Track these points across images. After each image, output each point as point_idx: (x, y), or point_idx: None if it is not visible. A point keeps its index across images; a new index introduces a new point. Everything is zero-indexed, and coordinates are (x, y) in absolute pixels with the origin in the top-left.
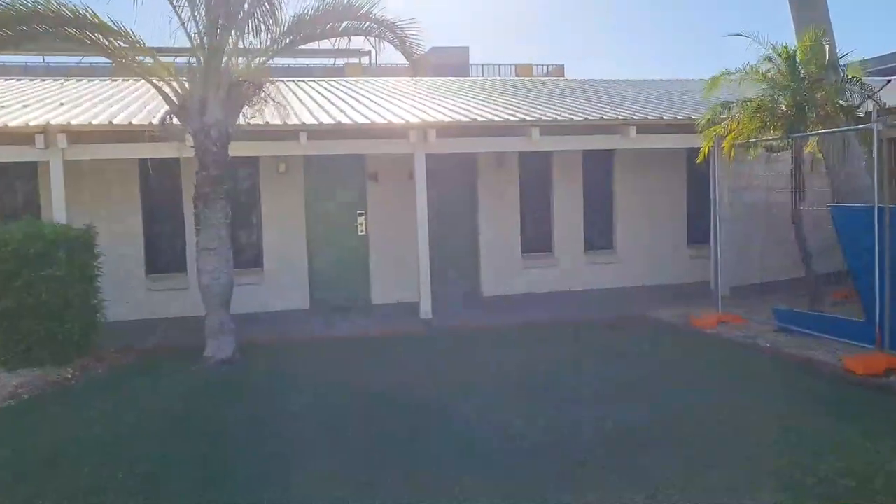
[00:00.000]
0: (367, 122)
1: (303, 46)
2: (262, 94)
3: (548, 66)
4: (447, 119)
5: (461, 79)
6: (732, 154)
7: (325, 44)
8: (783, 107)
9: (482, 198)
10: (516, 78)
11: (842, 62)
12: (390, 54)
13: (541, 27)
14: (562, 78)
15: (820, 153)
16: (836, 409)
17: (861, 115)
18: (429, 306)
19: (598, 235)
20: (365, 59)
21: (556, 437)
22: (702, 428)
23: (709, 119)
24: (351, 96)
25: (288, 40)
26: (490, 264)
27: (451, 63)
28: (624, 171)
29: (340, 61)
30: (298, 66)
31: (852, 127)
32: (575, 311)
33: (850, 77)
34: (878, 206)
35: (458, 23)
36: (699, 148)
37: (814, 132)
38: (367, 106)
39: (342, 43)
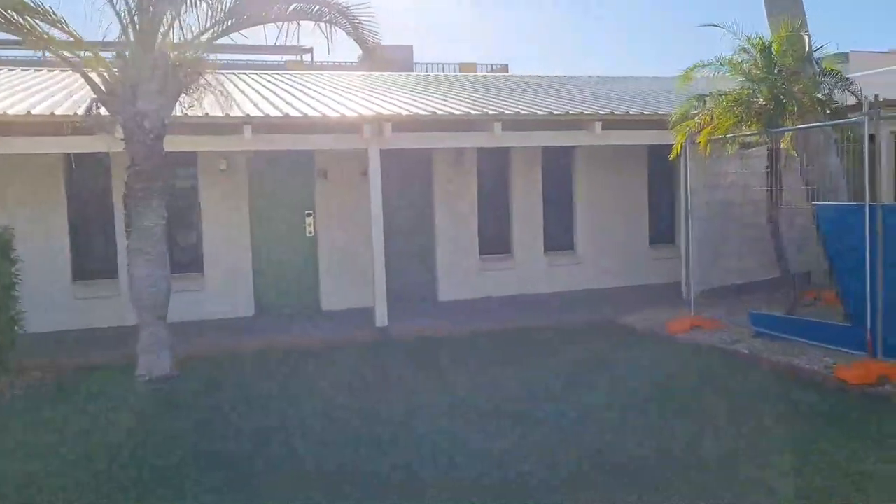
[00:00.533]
0: (318, 114)
1: (245, 34)
2: (202, 82)
3: (492, 65)
4: (405, 113)
5: (414, 73)
6: (709, 150)
7: (271, 29)
8: (761, 100)
9: (438, 197)
10: (475, 73)
11: (816, 55)
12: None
13: (483, 29)
14: (526, 74)
15: (793, 150)
16: (844, 427)
17: (836, 109)
18: (384, 313)
19: (559, 235)
20: (307, 57)
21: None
22: (709, 461)
23: (682, 113)
24: (298, 89)
25: (231, 22)
26: (447, 267)
27: (395, 62)
28: (585, 169)
29: (282, 58)
30: (238, 62)
31: (843, 120)
32: (538, 316)
33: (828, 70)
34: (870, 205)
35: (401, 23)
36: (667, 145)
37: (798, 126)
38: (315, 99)
39: (290, 29)
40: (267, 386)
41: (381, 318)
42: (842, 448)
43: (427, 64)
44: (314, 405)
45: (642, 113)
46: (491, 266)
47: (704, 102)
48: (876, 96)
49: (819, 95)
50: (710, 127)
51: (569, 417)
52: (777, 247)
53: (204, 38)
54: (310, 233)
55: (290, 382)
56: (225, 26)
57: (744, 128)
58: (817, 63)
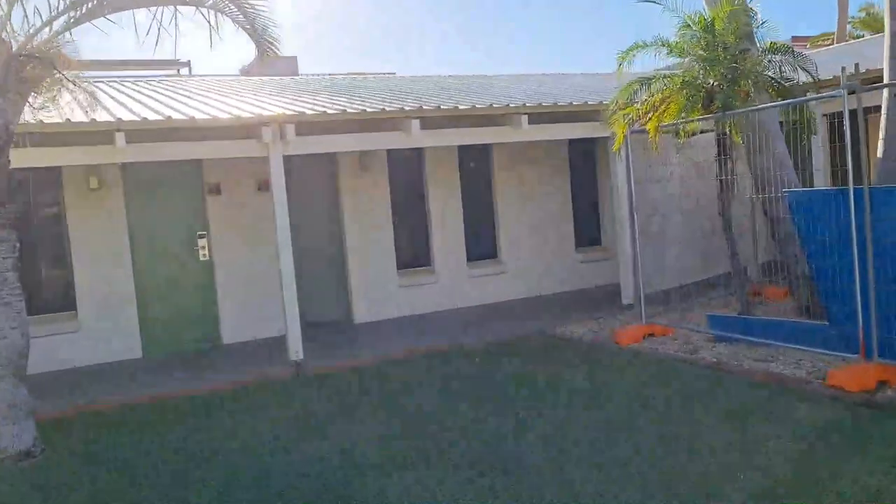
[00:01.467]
0: (208, 117)
1: (112, 33)
2: (58, 77)
3: (382, 74)
4: (310, 111)
5: (313, 75)
6: (657, 139)
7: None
8: (711, 81)
9: (348, 209)
10: (380, 73)
11: (760, 33)
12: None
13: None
14: (444, 74)
15: (738, 138)
16: (864, 445)
17: (791, 88)
18: (299, 344)
19: (482, 243)
20: (185, 71)
21: None
22: None
23: (626, 98)
24: (180, 93)
25: (91, 4)
26: (362, 286)
27: (280, 73)
28: (504, 170)
29: (154, 73)
30: (106, 78)
31: (820, 95)
32: (467, 333)
33: (780, 47)
34: (856, 189)
35: (283, 35)
36: (595, 139)
37: (763, 106)
38: (203, 102)
39: (165, 17)
40: (161, 454)
41: (296, 350)
42: (875, 473)
43: (314, 76)
44: (227, 481)
45: (571, 103)
46: (411, 281)
47: (649, 85)
48: (856, 66)
49: (770, 73)
50: (657, 112)
51: (544, 479)
52: (730, 242)
53: (57, 24)
54: (204, 256)
55: (190, 447)
56: (84, 10)
57: (694, 112)
58: (760, 41)
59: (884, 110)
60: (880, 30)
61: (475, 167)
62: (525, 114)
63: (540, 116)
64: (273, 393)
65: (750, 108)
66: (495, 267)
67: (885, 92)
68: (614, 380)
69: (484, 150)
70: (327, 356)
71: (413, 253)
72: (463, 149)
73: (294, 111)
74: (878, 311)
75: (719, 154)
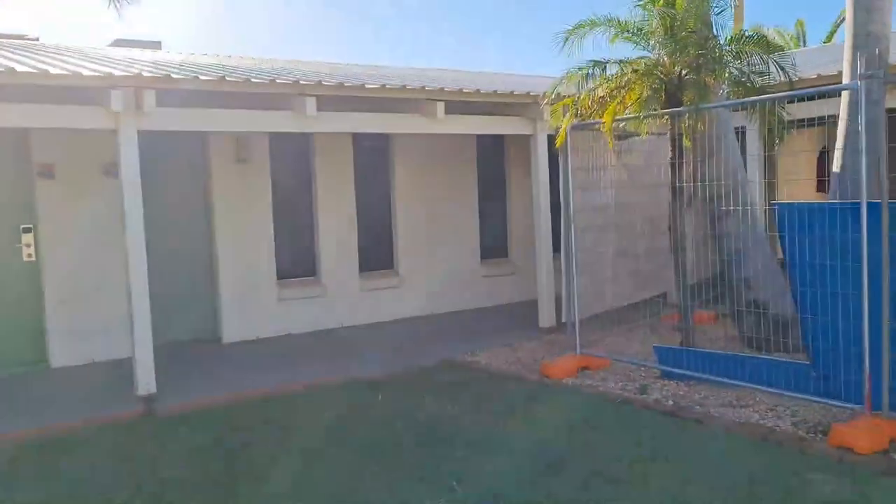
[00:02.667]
0: (34, 71)
1: None
2: None
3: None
4: (176, 75)
5: (179, 53)
6: (611, 135)
7: None
8: (679, 69)
9: (220, 204)
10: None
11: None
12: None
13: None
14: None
15: (688, 139)
16: None
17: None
18: (150, 374)
19: (376, 253)
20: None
21: None
22: None
23: (574, 85)
24: (20, 52)
25: None
26: (233, 298)
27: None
28: (404, 169)
29: None
30: None
31: (828, 87)
32: (358, 360)
33: (752, 37)
34: (869, 203)
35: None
36: (505, 138)
37: (750, 98)
38: (39, 60)
39: None
40: None
41: (146, 382)
42: None
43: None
44: None
45: (496, 91)
46: (293, 294)
47: (604, 69)
48: (879, 52)
49: (736, 67)
50: (612, 103)
51: None
52: (678, 260)
53: None
54: (29, 256)
55: None
56: None
57: (656, 105)
58: (717, 28)
59: (842, 116)
60: (769, 49)
61: (372, 164)
62: (442, 100)
63: (461, 106)
64: (107, 447)
65: (732, 102)
66: (391, 279)
67: (844, 97)
68: (559, 432)
69: (383, 145)
70: (185, 388)
71: (297, 260)
72: (359, 142)
73: (154, 74)
74: (894, 354)
75: (674, 157)
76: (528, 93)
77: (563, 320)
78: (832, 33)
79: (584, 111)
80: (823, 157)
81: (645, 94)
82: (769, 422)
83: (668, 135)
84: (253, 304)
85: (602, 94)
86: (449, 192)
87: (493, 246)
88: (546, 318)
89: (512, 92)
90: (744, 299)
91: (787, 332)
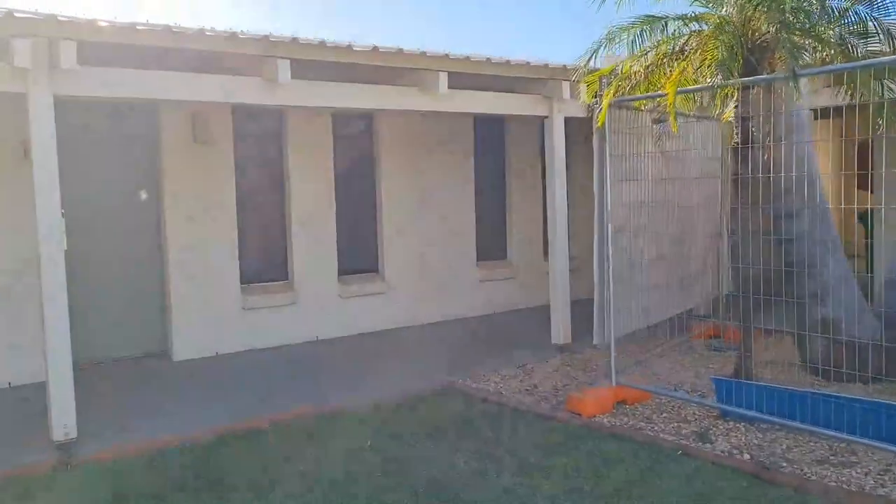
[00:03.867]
0: None
1: None
2: None
3: None
4: (105, 24)
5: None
6: (674, 112)
7: None
8: (767, 27)
9: (170, 193)
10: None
11: None
12: None
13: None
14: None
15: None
16: None
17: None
18: (70, 412)
19: (358, 253)
20: None
21: None
22: None
23: (595, 59)
24: None
25: None
26: (187, 307)
27: None
28: (392, 158)
29: None
30: None
31: None
32: (340, 385)
33: None
34: None
35: None
36: (505, 123)
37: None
38: None
39: None
40: None
41: (64, 424)
42: None
43: None
44: None
45: (508, 62)
46: (259, 302)
47: (665, 27)
48: None
49: (836, 28)
50: (679, 68)
51: None
52: (735, 270)
53: None
54: None
55: None
56: None
57: (734, 73)
58: None
59: None
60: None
61: (355, 151)
62: (444, 71)
63: (466, 80)
64: None
65: (841, 67)
66: (375, 284)
67: None
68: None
69: (368, 129)
70: (118, 427)
71: (265, 262)
72: (340, 124)
73: (77, 18)
74: None
75: (742, 142)
76: (546, 64)
77: (595, 342)
78: None
79: (623, 85)
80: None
81: (720, 55)
82: (891, 491)
83: (712, 116)
84: (211, 314)
85: (654, 60)
86: (442, 183)
87: (491, 246)
88: (561, 333)
89: (528, 63)
90: (811, 317)
91: (869, 360)
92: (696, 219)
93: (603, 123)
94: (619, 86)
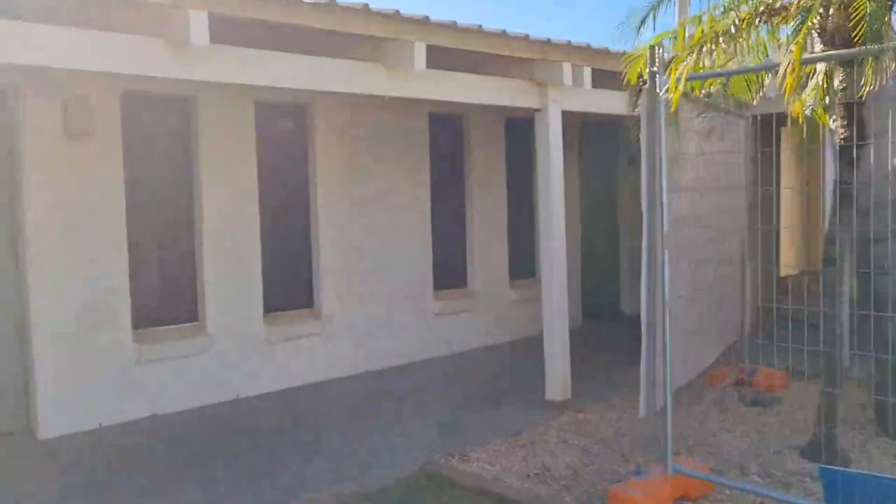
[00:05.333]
0: None
1: None
2: None
3: None
4: None
5: None
6: (790, 90)
7: None
8: None
9: (35, 200)
10: None
11: None
12: None
13: None
14: None
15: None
16: None
17: None
18: None
19: (290, 283)
20: None
21: None
22: None
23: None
24: None
25: None
26: (57, 363)
27: None
28: (330, 161)
29: None
30: None
31: None
32: (265, 469)
33: None
34: None
35: None
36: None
37: None
38: None
39: None
40: None
41: None
42: None
43: None
44: None
45: (504, 32)
46: (161, 351)
47: None
48: None
49: None
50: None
51: None
52: (835, 303)
53: None
54: None
55: None
56: None
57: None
58: None
59: None
60: None
61: (284, 148)
62: (422, 41)
63: (444, 58)
64: None
65: None
66: (310, 323)
67: None
68: None
69: (300, 123)
70: None
71: (167, 297)
72: (266, 116)
73: None
74: None
75: (846, 139)
76: (548, 39)
77: (643, 413)
78: None
79: (689, 60)
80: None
81: (867, 6)
82: None
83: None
84: (91, 373)
85: (746, 16)
86: (392, 192)
87: (449, 270)
88: (559, 386)
89: (526, 35)
90: None
91: None
92: (728, 240)
93: (676, 107)
94: (692, 59)
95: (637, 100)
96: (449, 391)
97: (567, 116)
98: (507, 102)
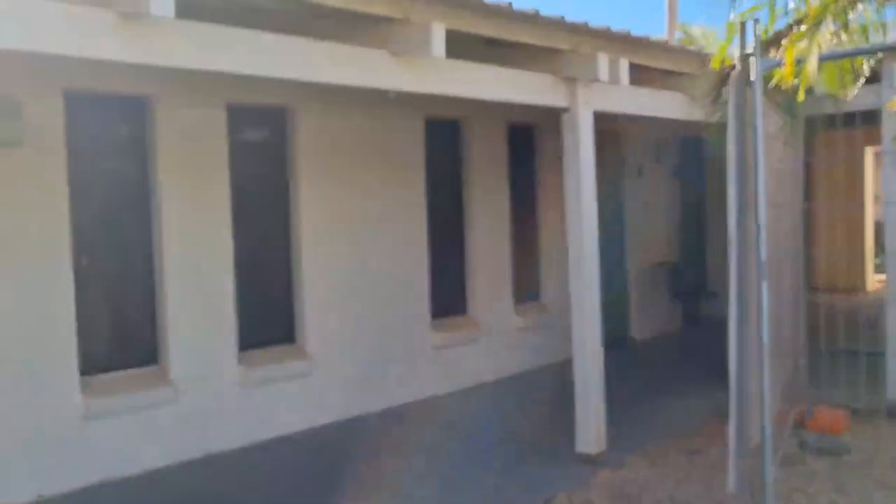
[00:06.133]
0: None
1: None
2: None
3: None
4: None
5: None
6: None
7: None
8: None
9: None
10: None
11: None
12: None
13: None
14: None
15: None
16: None
17: None
18: None
19: (268, 316)
20: None
21: None
22: None
23: None
24: None
25: None
26: None
27: None
28: (316, 175)
29: None
30: None
31: None
32: None
33: None
34: None
35: None
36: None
37: None
38: None
39: None
40: None
41: None
42: None
43: None
44: None
45: (537, 12)
46: (113, 405)
47: None
48: None
49: None
50: None
51: None
52: None
53: None
54: None
55: None
56: None
57: None
58: None
59: None
60: None
61: (261, 164)
62: (440, 23)
63: (463, 45)
64: None
65: None
66: (294, 361)
67: None
68: None
69: (278, 123)
70: None
71: (121, 337)
72: (239, 118)
73: None
74: None
75: None
76: (586, 22)
77: (732, 487)
78: None
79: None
80: None
81: None
82: None
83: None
84: (30, 428)
85: None
86: (384, 209)
87: (448, 296)
88: (591, 436)
89: (563, 18)
90: None
91: None
92: (783, 264)
93: (797, 83)
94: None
95: (717, 94)
96: (457, 440)
97: (555, 118)
98: (535, 101)
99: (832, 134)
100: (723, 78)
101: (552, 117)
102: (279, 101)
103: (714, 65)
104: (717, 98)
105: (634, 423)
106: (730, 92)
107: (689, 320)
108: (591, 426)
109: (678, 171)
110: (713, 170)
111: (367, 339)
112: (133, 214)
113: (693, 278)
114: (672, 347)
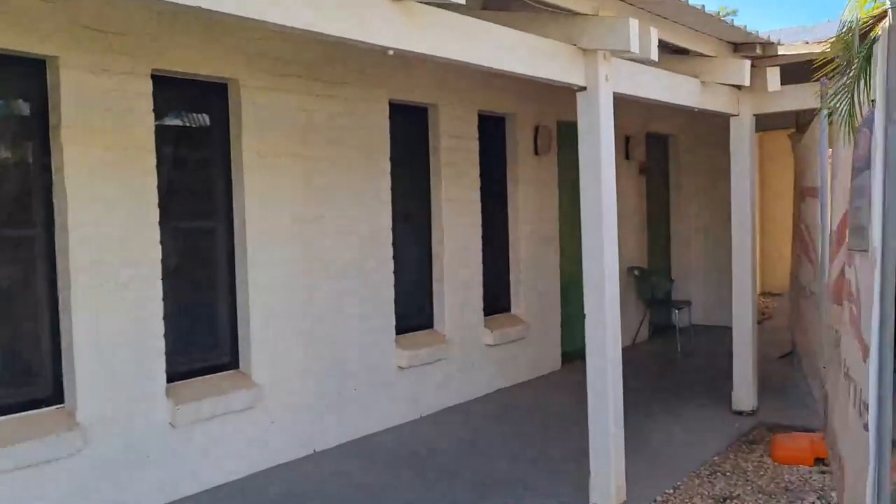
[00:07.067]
0: None
1: None
2: None
3: None
4: None
5: None
6: None
7: None
8: None
9: None
10: None
11: None
12: None
13: None
14: None
15: None
16: None
17: None
18: None
19: (203, 335)
20: None
21: None
22: None
23: None
24: None
25: None
26: None
27: None
28: (264, 160)
29: None
30: None
31: None
32: None
33: None
34: None
35: None
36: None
37: None
38: None
39: None
40: None
41: None
42: None
43: None
44: None
45: None
46: (16, 457)
47: None
48: None
49: None
50: None
51: None
52: None
53: None
54: None
55: None
56: None
57: None
58: None
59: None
60: None
61: (196, 140)
62: None
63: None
64: None
65: None
66: (237, 394)
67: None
68: None
69: (219, 101)
70: None
71: (16, 369)
72: (168, 93)
73: None
74: None
75: None
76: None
77: None
78: None
79: None
80: None
81: None
82: None
83: None
84: None
85: None
86: (344, 206)
87: (413, 307)
88: (612, 481)
89: None
90: None
91: None
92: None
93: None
94: None
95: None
96: (426, 487)
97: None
98: (545, 75)
99: None
100: (862, 36)
101: (526, 105)
102: (219, 71)
103: (859, 8)
104: (847, 67)
105: (637, 457)
106: (878, 52)
107: (657, 331)
108: (609, 479)
109: (645, 169)
110: (678, 168)
111: (324, 363)
112: (31, 202)
113: (664, 285)
114: (647, 361)
